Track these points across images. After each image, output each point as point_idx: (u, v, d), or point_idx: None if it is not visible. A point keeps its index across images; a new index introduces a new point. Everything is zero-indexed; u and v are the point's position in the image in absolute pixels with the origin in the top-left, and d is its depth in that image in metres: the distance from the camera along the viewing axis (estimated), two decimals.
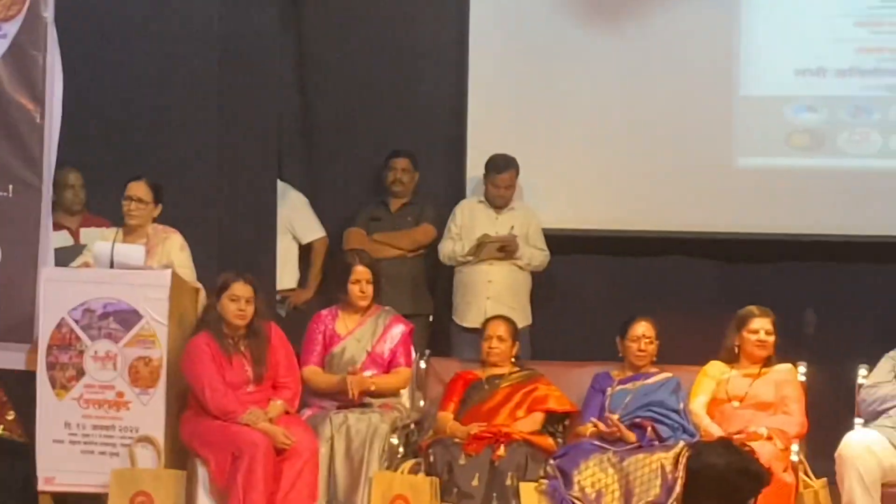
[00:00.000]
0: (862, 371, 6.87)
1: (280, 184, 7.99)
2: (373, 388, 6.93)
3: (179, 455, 6.61)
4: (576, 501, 6.44)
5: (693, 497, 3.85)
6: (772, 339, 6.89)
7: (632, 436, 6.65)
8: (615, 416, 6.70)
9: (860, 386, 6.84)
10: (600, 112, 8.12)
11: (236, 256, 7.25)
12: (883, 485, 6.40)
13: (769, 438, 6.52)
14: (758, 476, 3.89)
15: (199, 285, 6.92)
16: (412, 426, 7.00)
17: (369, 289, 7.08)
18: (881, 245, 7.87)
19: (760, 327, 6.89)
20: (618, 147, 8.09)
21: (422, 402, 7.17)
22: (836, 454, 6.45)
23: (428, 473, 6.60)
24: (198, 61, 7.40)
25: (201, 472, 6.51)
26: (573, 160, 8.16)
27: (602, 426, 6.68)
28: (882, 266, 7.89)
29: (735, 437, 6.39)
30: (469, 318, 7.81)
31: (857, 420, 6.76)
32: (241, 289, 6.59)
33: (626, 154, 8.08)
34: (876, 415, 6.66)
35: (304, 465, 6.50)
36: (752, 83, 8.02)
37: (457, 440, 6.70)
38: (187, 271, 6.95)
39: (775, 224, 8.00)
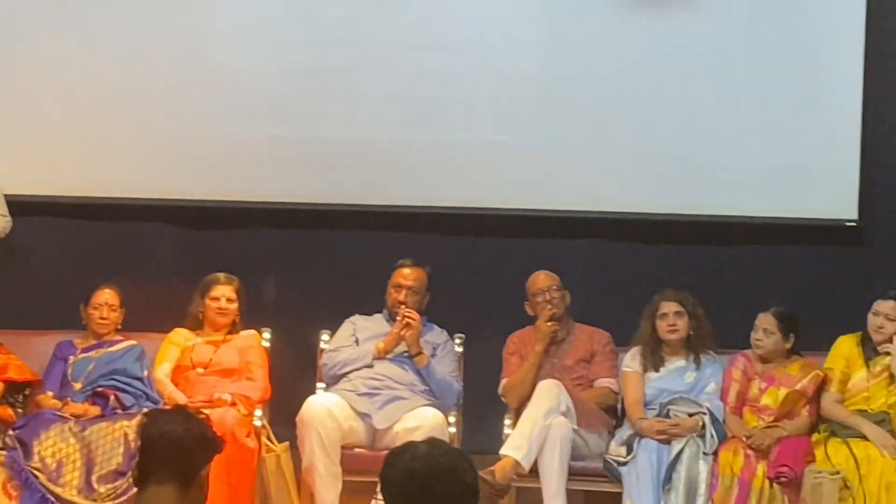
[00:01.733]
0: (324, 336, 7.02)
1: None
2: None
3: None
4: (35, 472, 6.29)
5: (148, 465, 3.76)
6: (234, 305, 6.92)
7: (94, 410, 6.55)
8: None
9: (322, 350, 6.97)
10: (67, 77, 7.85)
11: None
12: (343, 447, 6.54)
13: (233, 404, 6.57)
14: (212, 443, 3.86)
15: None
16: None
17: None
18: (347, 213, 7.98)
19: (222, 294, 6.91)
20: (81, 113, 7.84)
21: None
22: (297, 418, 6.55)
23: None
24: None
25: None
26: (37, 125, 7.85)
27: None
28: (340, 231, 8.00)
29: (198, 403, 6.38)
30: None
31: (319, 384, 6.90)
32: None
33: (89, 120, 7.84)
34: (337, 378, 6.83)
35: None
36: (219, 49, 7.93)
37: None
38: None
39: (234, 191, 7.92)
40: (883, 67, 7.83)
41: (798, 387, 6.54)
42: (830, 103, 7.86)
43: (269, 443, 6.67)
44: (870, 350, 6.60)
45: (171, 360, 6.87)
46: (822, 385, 6.58)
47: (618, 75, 7.90)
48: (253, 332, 6.99)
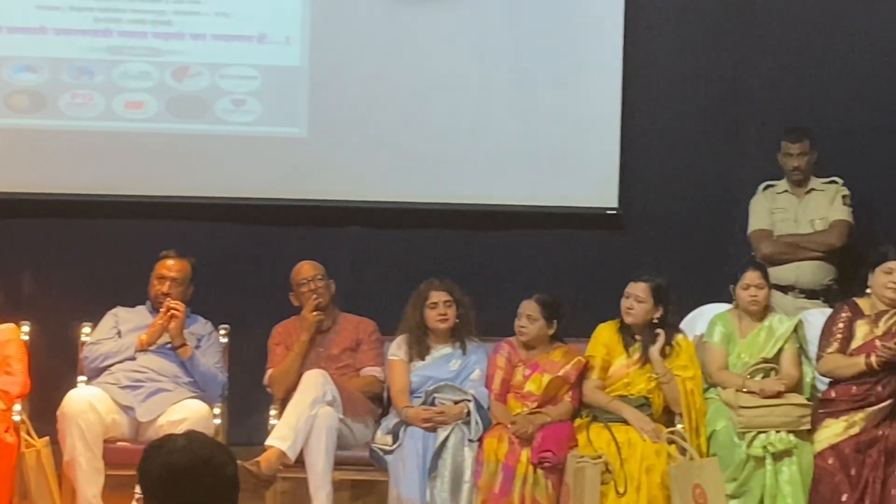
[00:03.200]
0: (85, 328, 6.81)
1: None
2: None
3: None
4: None
5: None
6: None
7: None
8: None
9: (83, 343, 6.77)
10: None
11: None
12: (105, 440, 6.36)
13: None
14: None
15: None
16: None
17: None
18: (108, 203, 7.84)
19: None
20: None
21: None
22: (58, 412, 6.35)
23: None
24: None
25: None
26: None
27: None
28: (102, 221, 7.87)
29: None
30: None
31: (81, 378, 6.70)
32: None
33: None
34: (99, 371, 6.63)
35: None
36: None
37: None
38: None
39: None
40: (640, 65, 8.00)
41: (561, 373, 6.57)
42: (591, 98, 8.02)
43: (28, 438, 6.43)
44: (628, 337, 6.67)
45: None
46: (583, 371, 6.62)
47: (383, 66, 7.93)
48: (11, 325, 6.73)
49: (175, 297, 6.68)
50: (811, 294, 7.34)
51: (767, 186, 7.56)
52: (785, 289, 7.27)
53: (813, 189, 7.50)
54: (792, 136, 7.47)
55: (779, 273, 7.22)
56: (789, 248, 7.38)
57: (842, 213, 7.42)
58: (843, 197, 7.44)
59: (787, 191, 7.51)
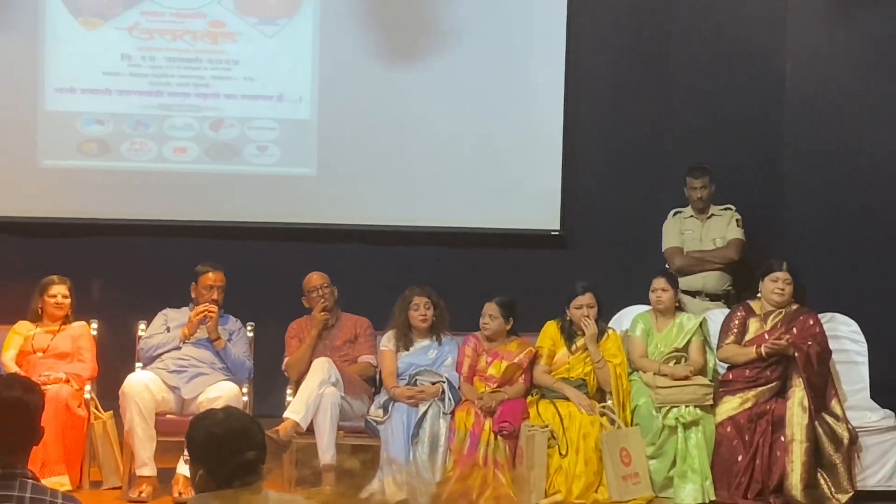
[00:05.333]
0: (141, 325, 6.81)
1: None
2: None
3: None
4: None
5: None
6: (68, 300, 6.68)
7: None
8: None
9: (139, 337, 6.76)
10: None
11: None
12: (157, 414, 6.36)
13: (66, 381, 6.35)
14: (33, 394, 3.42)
15: None
16: None
17: None
18: (159, 227, 7.85)
19: (58, 292, 6.66)
20: None
21: None
22: (120, 391, 6.35)
23: None
24: None
25: None
26: None
27: None
28: (152, 239, 7.86)
29: (39, 380, 6.08)
30: None
31: (138, 364, 6.69)
32: None
33: None
34: (151, 359, 6.62)
35: None
36: (50, 100, 7.70)
37: None
38: None
39: (74, 211, 7.78)
40: (579, 113, 8.01)
41: (516, 360, 6.57)
42: (539, 140, 8.00)
43: (96, 412, 6.46)
44: (568, 334, 6.65)
45: (16, 346, 6.58)
46: (534, 359, 6.62)
47: (375, 120, 7.93)
48: (83, 322, 6.73)
49: (219, 302, 6.67)
50: (714, 297, 7.35)
51: (676, 212, 7.57)
52: (694, 294, 7.28)
53: (713, 214, 7.51)
54: (694, 173, 7.49)
55: (689, 281, 7.25)
56: (697, 261, 7.39)
57: (737, 233, 7.43)
58: (737, 220, 7.46)
59: (692, 216, 7.52)
